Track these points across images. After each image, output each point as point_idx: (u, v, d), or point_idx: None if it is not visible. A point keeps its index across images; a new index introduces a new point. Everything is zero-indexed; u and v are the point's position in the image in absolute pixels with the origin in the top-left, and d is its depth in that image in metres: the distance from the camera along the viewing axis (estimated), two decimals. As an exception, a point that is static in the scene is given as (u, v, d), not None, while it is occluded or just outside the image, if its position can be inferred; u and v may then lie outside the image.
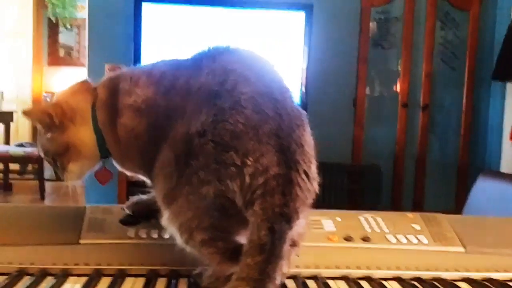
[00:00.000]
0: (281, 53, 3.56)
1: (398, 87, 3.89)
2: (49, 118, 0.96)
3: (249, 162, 0.78)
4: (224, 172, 0.80)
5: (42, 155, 1.02)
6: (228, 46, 0.94)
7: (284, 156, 0.80)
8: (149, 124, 0.93)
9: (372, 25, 3.83)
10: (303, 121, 0.86)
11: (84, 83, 1.03)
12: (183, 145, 0.84)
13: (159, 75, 0.95)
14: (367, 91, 3.87)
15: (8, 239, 1.00)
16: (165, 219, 0.88)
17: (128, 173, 1.06)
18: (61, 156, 0.99)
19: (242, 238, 0.84)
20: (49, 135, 0.98)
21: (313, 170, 0.84)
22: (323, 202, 1.12)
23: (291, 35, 3.54)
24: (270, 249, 0.75)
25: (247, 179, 0.78)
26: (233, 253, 0.83)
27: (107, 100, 0.97)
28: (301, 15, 3.49)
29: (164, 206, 0.88)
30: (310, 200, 0.83)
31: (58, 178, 1.08)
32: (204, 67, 0.90)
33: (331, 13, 3.74)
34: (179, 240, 0.87)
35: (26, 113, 0.97)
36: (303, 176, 0.81)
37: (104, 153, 1.00)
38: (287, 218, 0.77)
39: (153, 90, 0.93)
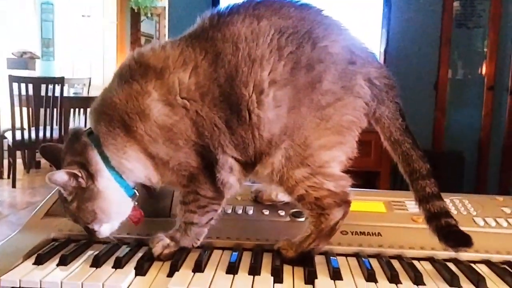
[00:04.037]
0: (358, 35, 3.46)
1: (483, 70, 3.68)
2: (76, 179, 0.89)
3: (371, 69, 0.93)
4: (353, 83, 0.91)
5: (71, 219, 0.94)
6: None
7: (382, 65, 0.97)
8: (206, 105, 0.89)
9: (456, 4, 3.65)
10: None
11: (74, 133, 0.95)
12: (298, 78, 0.88)
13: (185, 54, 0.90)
14: (450, 74, 3.70)
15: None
16: (279, 154, 0.90)
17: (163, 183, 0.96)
18: (91, 223, 0.93)
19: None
20: (75, 204, 0.91)
21: None
22: (401, 189, 1.11)
23: (369, 18, 3.45)
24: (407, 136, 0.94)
25: (376, 81, 0.92)
26: (347, 197, 0.94)
27: (118, 126, 0.89)
28: (379, -3, 3.39)
29: (278, 142, 0.89)
30: None
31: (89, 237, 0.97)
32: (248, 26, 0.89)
33: (411, -7, 3.61)
34: (295, 176, 0.90)
35: (50, 178, 0.87)
36: None
37: (130, 191, 0.95)
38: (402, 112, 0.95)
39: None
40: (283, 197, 1.09)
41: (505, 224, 1.04)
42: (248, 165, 0.93)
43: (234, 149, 0.91)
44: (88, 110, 0.96)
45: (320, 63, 0.89)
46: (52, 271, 0.87)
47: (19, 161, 4.86)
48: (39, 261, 0.90)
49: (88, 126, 0.96)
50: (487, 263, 0.94)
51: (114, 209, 0.94)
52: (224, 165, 0.92)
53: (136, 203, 0.98)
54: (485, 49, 3.69)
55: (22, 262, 0.90)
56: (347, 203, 0.93)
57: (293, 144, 0.90)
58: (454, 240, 0.88)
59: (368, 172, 2.84)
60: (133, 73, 0.90)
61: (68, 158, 0.92)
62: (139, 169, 0.91)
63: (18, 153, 4.76)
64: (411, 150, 0.93)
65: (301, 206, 0.95)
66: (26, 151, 5.04)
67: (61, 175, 0.89)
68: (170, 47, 0.91)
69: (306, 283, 0.84)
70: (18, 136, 4.44)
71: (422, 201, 0.92)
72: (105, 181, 0.91)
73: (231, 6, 0.92)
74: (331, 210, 0.92)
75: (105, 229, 0.95)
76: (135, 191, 0.96)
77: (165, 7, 6.41)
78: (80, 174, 0.89)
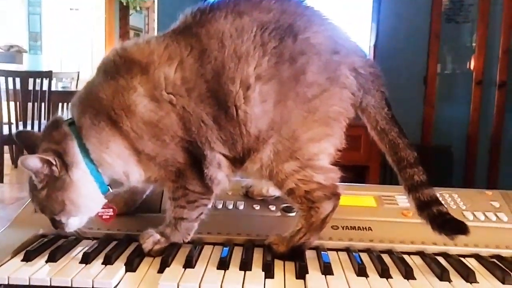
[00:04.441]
0: (348, 30, 3.45)
1: (472, 64, 3.71)
2: (49, 167, 0.87)
3: (356, 58, 0.93)
4: (338, 73, 0.91)
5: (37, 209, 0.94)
6: None
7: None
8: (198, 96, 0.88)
9: (445, -2, 3.66)
10: None
11: (54, 122, 0.93)
12: (282, 71, 0.88)
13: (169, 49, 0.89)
14: (439, 68, 3.72)
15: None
16: (268, 149, 0.90)
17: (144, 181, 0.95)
18: (59, 214, 0.91)
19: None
20: (44, 192, 0.89)
21: None
22: (390, 183, 1.12)
23: (358, 12, 3.46)
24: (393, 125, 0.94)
25: (362, 71, 0.93)
26: (336, 190, 0.94)
27: (103, 120, 0.88)
28: (369, -9, 3.39)
29: (266, 137, 0.89)
30: None
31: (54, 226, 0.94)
32: (230, 20, 0.89)
33: (401, -12, 3.61)
34: (284, 169, 0.90)
35: (23, 162, 0.86)
36: None
37: (104, 188, 0.93)
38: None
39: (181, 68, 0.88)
40: (274, 192, 1.09)
41: (494, 218, 1.05)
42: (237, 161, 0.93)
43: (222, 145, 0.90)
44: (70, 102, 0.94)
45: (302, 55, 0.89)
46: (41, 267, 0.86)
47: (6, 156, 4.81)
48: (28, 258, 0.89)
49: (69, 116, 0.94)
50: (477, 257, 0.95)
51: (84, 202, 0.92)
52: (212, 161, 0.91)
53: (106, 200, 0.96)
54: (474, 44, 3.71)
55: (10, 259, 0.89)
56: (336, 195, 0.94)
57: (281, 139, 0.90)
58: (450, 229, 0.89)
59: (358, 167, 2.84)
60: (118, 69, 0.89)
61: (44, 144, 0.91)
62: (119, 164, 0.90)
63: (6, 148, 4.70)
64: (398, 138, 0.94)
65: (291, 200, 0.95)
66: (13, 146, 4.99)
67: (34, 160, 0.87)
68: (155, 42, 0.90)
69: (297, 278, 0.84)
70: (5, 131, 4.39)
71: (411, 190, 0.93)
72: (80, 173, 0.89)
73: (211, 2, 0.92)
74: (321, 203, 0.92)
75: (73, 222, 0.92)
76: (109, 187, 0.94)
77: (154, 1, 6.36)
78: (54, 162, 0.87)
